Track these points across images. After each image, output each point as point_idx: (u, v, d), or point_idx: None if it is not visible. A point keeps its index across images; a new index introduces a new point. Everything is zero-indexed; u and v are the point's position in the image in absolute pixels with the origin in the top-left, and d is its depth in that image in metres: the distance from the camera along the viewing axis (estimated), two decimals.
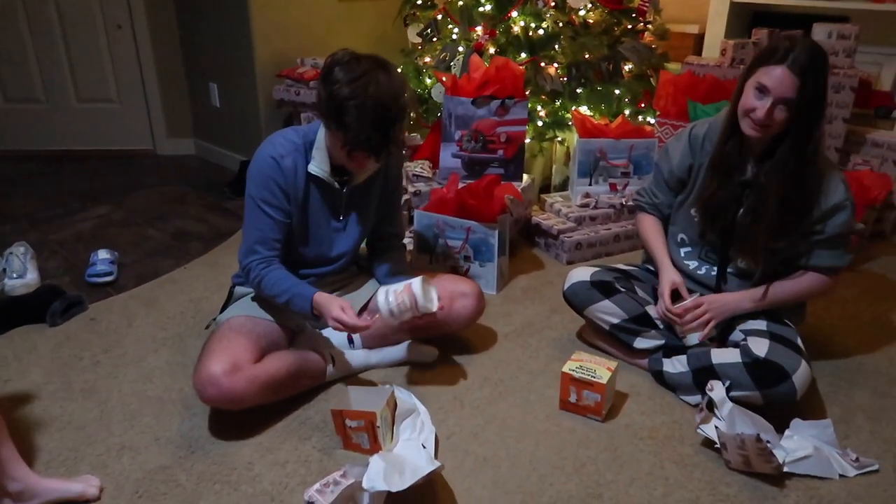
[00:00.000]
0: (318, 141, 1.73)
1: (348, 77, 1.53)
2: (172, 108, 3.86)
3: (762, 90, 1.56)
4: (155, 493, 1.48)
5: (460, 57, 2.89)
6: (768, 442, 1.51)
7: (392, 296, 1.69)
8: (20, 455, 1.41)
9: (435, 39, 3.08)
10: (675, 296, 1.83)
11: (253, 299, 1.86)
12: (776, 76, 1.53)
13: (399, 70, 1.64)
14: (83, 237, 2.83)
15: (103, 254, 2.49)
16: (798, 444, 1.60)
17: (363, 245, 2.03)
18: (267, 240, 1.74)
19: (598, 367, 1.73)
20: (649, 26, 3.13)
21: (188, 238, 2.84)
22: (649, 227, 1.96)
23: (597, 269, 1.96)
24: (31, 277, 2.35)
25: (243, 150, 3.55)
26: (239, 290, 1.91)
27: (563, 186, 2.98)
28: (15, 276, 2.33)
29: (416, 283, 1.69)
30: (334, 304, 1.68)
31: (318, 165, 1.73)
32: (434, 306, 1.73)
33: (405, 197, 2.53)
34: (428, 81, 3.03)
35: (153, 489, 1.49)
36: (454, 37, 3.02)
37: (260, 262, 1.74)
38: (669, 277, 1.84)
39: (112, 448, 1.62)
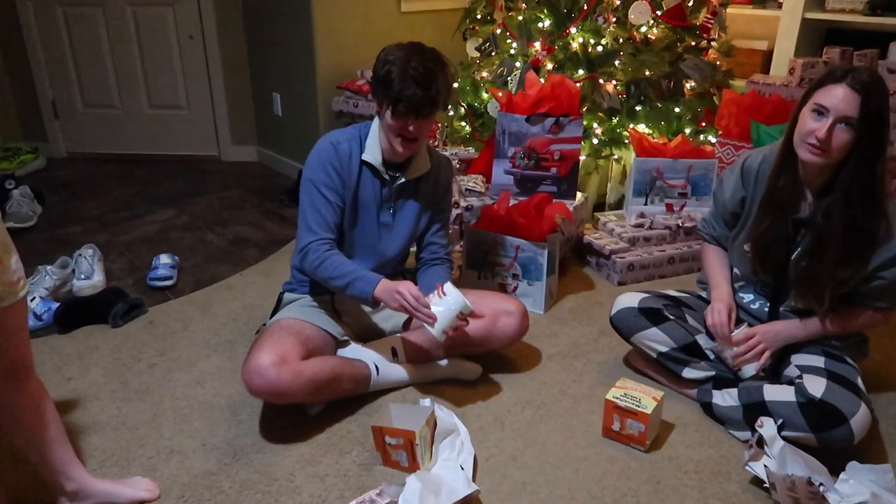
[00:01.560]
0: (372, 132, 1.84)
1: (394, 53, 1.71)
2: (237, 116, 3.98)
3: (821, 111, 1.50)
4: (199, 499, 1.53)
5: (517, 72, 2.89)
6: (821, 485, 1.44)
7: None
8: (76, 454, 1.47)
9: (493, 54, 3.08)
10: None
11: (302, 306, 1.90)
12: (836, 94, 1.47)
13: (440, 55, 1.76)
14: (148, 240, 2.95)
15: (165, 258, 2.59)
16: (854, 489, 1.52)
17: (411, 258, 2.06)
18: (324, 221, 1.80)
19: (644, 396, 1.69)
20: (713, 43, 3.04)
21: (245, 244, 2.92)
22: (711, 256, 1.91)
23: (646, 295, 1.92)
24: (98, 279, 2.47)
25: (303, 159, 3.59)
26: (288, 296, 1.97)
27: (618, 205, 2.93)
28: (83, 277, 2.45)
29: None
30: (403, 285, 1.71)
31: (371, 154, 1.83)
32: (460, 301, 1.71)
33: (457, 211, 2.54)
34: (485, 96, 3.04)
35: (198, 495, 1.54)
36: (512, 52, 3.01)
37: (320, 242, 1.79)
38: (725, 301, 1.77)
39: (162, 451, 1.68)
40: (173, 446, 1.70)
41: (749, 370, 1.74)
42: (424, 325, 1.71)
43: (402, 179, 1.88)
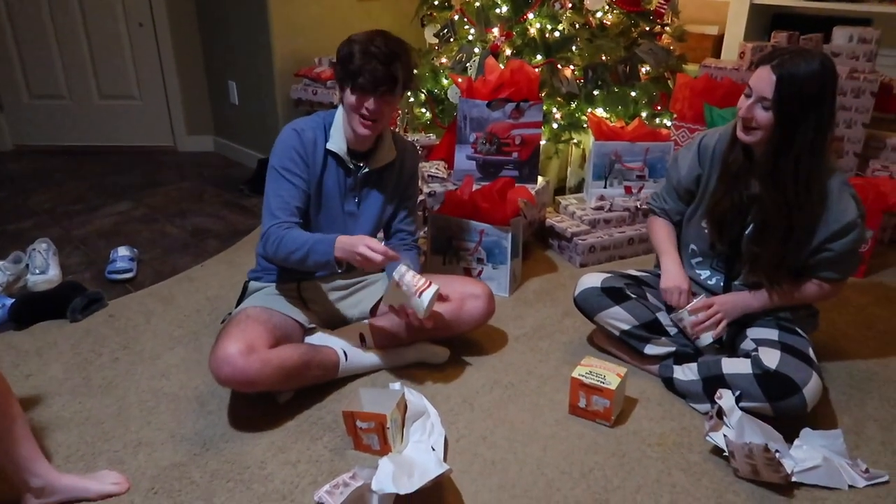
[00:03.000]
0: (336, 121, 1.84)
1: (357, 35, 1.73)
2: (192, 106, 3.90)
3: (748, 92, 1.59)
4: (170, 490, 1.52)
5: (476, 58, 2.90)
6: (777, 451, 1.51)
7: (412, 274, 1.71)
8: (41, 451, 1.44)
9: (452, 40, 3.09)
10: None
11: (268, 294, 1.89)
12: (759, 75, 1.56)
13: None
14: (104, 233, 2.88)
15: (123, 251, 2.53)
16: (807, 453, 1.60)
17: None
18: (287, 206, 1.79)
19: (608, 373, 1.74)
20: (667, 28, 3.11)
21: (205, 235, 2.88)
22: (659, 229, 1.97)
23: (608, 274, 1.96)
24: (53, 273, 2.41)
25: (261, 148, 3.59)
26: (254, 284, 1.95)
27: (579, 189, 2.98)
28: (37, 271, 2.38)
29: (435, 286, 1.72)
30: (359, 240, 1.68)
31: (336, 143, 1.83)
32: (423, 310, 1.72)
33: (420, 197, 2.54)
34: (445, 82, 3.05)
35: (168, 486, 1.53)
36: (470, 38, 3.02)
37: (279, 225, 1.77)
38: (676, 282, 1.83)
39: (129, 444, 1.66)
40: (140, 439, 1.68)
41: (707, 338, 1.80)
42: (413, 306, 1.71)
43: (367, 169, 1.88)
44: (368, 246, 1.65)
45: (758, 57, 1.62)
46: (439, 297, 1.78)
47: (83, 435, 1.69)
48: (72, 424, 1.73)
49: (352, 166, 1.87)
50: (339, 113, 1.84)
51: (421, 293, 1.70)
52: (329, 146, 1.83)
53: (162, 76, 3.80)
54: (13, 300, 2.20)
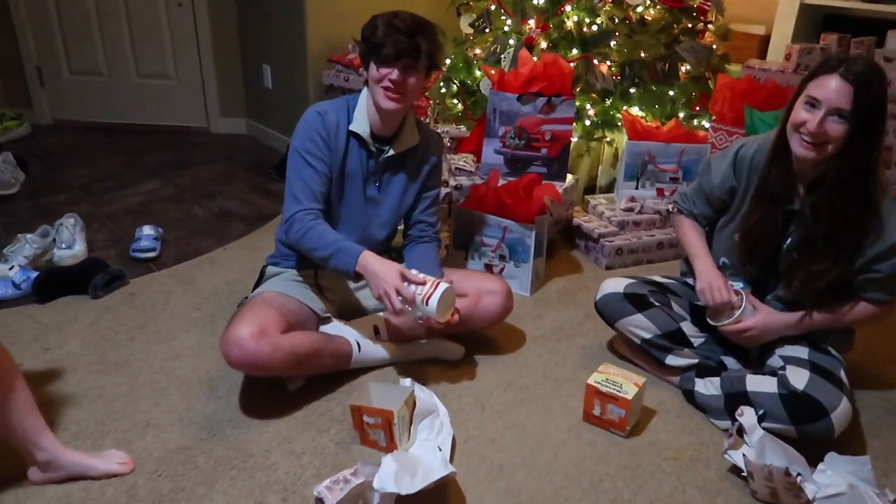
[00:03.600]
0: (360, 103, 1.82)
1: (382, 13, 1.73)
2: (227, 88, 3.92)
3: (813, 103, 1.46)
4: (174, 474, 1.51)
5: (511, 50, 2.84)
6: (799, 475, 1.44)
7: (412, 287, 1.67)
8: (50, 426, 1.45)
9: (487, 31, 3.03)
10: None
11: (285, 280, 1.88)
12: (828, 85, 1.43)
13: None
14: (132, 211, 2.91)
15: (148, 230, 2.55)
16: (832, 479, 1.51)
17: (398, 238, 2.04)
18: (310, 190, 1.77)
19: (625, 382, 1.68)
20: (710, 26, 3.00)
21: (231, 218, 2.89)
22: (689, 230, 1.87)
23: (631, 280, 1.90)
24: (79, 249, 2.43)
25: (291, 133, 3.57)
26: (271, 269, 1.94)
27: (609, 188, 2.90)
28: (63, 246, 2.41)
29: (443, 286, 1.67)
30: (392, 273, 1.65)
31: (359, 125, 1.80)
32: (435, 314, 1.67)
33: (446, 190, 2.50)
34: (478, 73, 2.99)
35: (172, 469, 1.53)
36: (506, 29, 2.96)
37: (305, 213, 1.76)
38: (711, 280, 1.73)
39: (137, 424, 1.66)
40: (149, 420, 1.68)
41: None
42: (426, 314, 1.68)
43: (391, 152, 1.85)
44: (397, 289, 1.64)
45: (814, 66, 1.52)
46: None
47: (93, 412, 1.70)
48: (84, 401, 1.74)
49: (374, 149, 1.84)
50: (364, 95, 1.82)
51: (427, 300, 1.65)
52: (352, 128, 1.80)
53: (198, 57, 3.82)
54: (37, 273, 2.23)
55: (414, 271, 1.70)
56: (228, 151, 3.73)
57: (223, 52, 3.82)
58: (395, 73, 1.69)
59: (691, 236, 1.85)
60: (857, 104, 1.42)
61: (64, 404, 1.72)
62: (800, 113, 1.49)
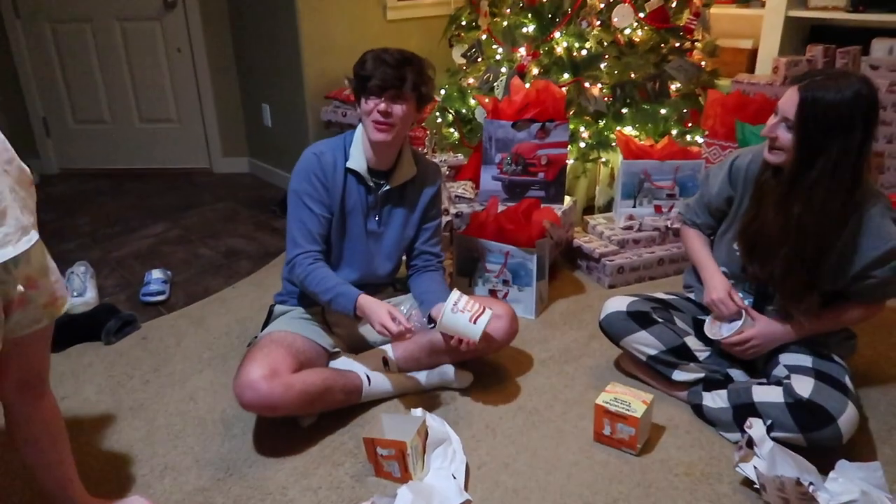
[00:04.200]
0: (356, 140, 1.87)
1: (373, 49, 1.78)
2: (228, 128, 3.99)
3: (776, 110, 1.56)
4: None
5: (503, 78, 2.90)
6: (811, 484, 1.45)
7: (466, 299, 1.74)
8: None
9: (479, 60, 3.10)
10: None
11: (293, 318, 1.91)
12: (787, 94, 1.52)
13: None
14: (140, 255, 2.96)
15: (157, 273, 2.60)
16: (843, 487, 1.53)
17: (402, 269, 2.07)
18: (309, 233, 1.82)
19: (633, 400, 1.70)
20: (697, 44, 3.06)
21: (238, 257, 2.93)
22: (695, 240, 1.92)
23: (634, 298, 1.93)
24: (91, 296, 2.48)
25: (293, 170, 3.64)
26: (279, 308, 1.98)
27: (607, 208, 2.94)
28: (76, 294, 2.45)
29: (489, 311, 1.75)
30: (381, 310, 1.73)
31: (356, 161, 1.85)
32: (478, 335, 1.73)
33: (447, 218, 2.55)
34: (472, 102, 3.05)
35: None
36: (498, 57, 3.03)
37: (305, 256, 1.82)
38: (720, 294, 1.76)
39: (156, 468, 1.69)
40: (167, 463, 1.71)
41: (724, 331, 1.76)
42: (468, 332, 1.73)
43: (387, 186, 1.89)
44: (382, 324, 1.71)
45: (792, 73, 1.58)
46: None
47: (112, 458, 1.73)
48: (102, 447, 1.77)
49: (372, 184, 1.88)
50: (359, 131, 1.87)
51: (476, 319, 1.71)
52: (349, 165, 1.85)
53: (199, 100, 3.90)
54: None
55: (458, 293, 1.77)
56: (232, 190, 3.79)
57: (223, 94, 3.90)
58: (382, 104, 1.74)
59: (697, 247, 1.90)
60: (799, 115, 1.49)
61: (82, 451, 1.74)
62: (769, 119, 1.58)
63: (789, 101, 1.51)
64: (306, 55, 3.31)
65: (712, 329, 1.79)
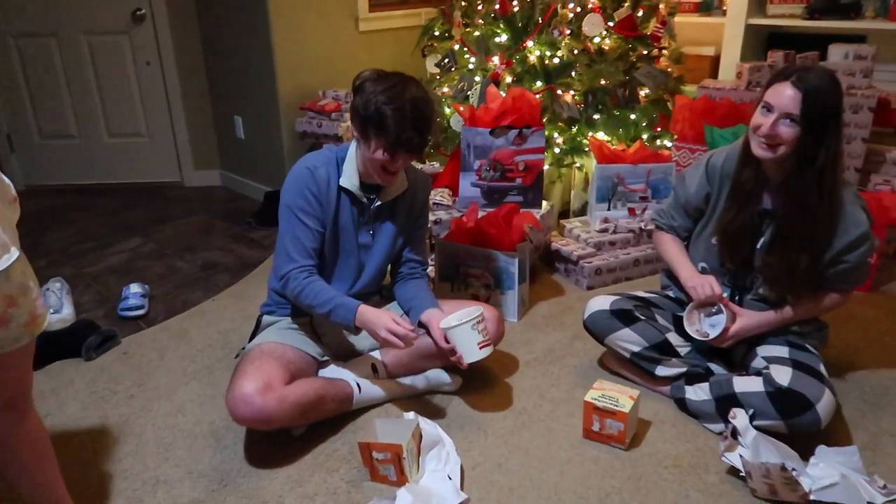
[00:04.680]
0: (349, 157, 1.84)
1: (383, 87, 1.68)
2: (199, 141, 3.96)
3: (768, 107, 1.60)
4: None
5: (477, 87, 2.95)
6: (794, 470, 1.51)
7: (485, 325, 1.77)
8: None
9: (453, 69, 3.14)
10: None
11: (281, 328, 1.91)
12: (780, 91, 1.57)
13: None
14: (116, 270, 2.91)
15: (135, 288, 2.56)
16: (824, 471, 1.60)
17: (387, 275, 2.09)
18: (304, 248, 1.81)
19: (621, 396, 1.75)
20: (664, 51, 3.16)
21: (215, 269, 2.91)
22: (669, 243, 1.97)
23: (616, 297, 1.98)
24: (68, 312, 2.43)
25: (267, 181, 3.64)
26: (267, 318, 1.97)
27: (582, 211, 3.01)
28: (52, 311, 2.41)
29: (491, 347, 1.79)
30: (385, 316, 1.74)
31: (349, 179, 1.83)
32: (473, 360, 1.77)
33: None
34: (447, 111, 3.09)
35: None
36: (471, 66, 3.08)
37: (300, 270, 1.80)
38: (699, 279, 1.82)
39: (147, 482, 1.67)
40: (158, 477, 1.69)
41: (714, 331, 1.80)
42: (466, 353, 1.75)
43: (379, 202, 1.89)
44: (389, 329, 1.71)
45: (756, 78, 1.65)
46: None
47: (102, 474, 1.70)
48: (90, 464, 1.74)
49: (365, 200, 1.88)
50: (352, 149, 1.85)
51: (483, 346, 1.75)
52: (342, 183, 1.83)
53: (169, 113, 3.87)
54: None
55: (482, 313, 1.78)
56: (205, 203, 3.76)
57: (194, 107, 3.87)
58: (399, 163, 1.75)
59: (672, 249, 1.95)
60: (805, 109, 1.55)
61: (71, 468, 1.72)
62: (757, 117, 1.63)
63: (787, 96, 1.55)
64: (280, 66, 3.31)
65: (694, 327, 1.83)
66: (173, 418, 1.92)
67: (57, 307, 2.43)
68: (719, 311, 1.79)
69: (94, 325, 2.34)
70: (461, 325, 1.74)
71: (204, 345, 2.30)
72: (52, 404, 1.99)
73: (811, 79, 1.55)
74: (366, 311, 1.76)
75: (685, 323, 1.84)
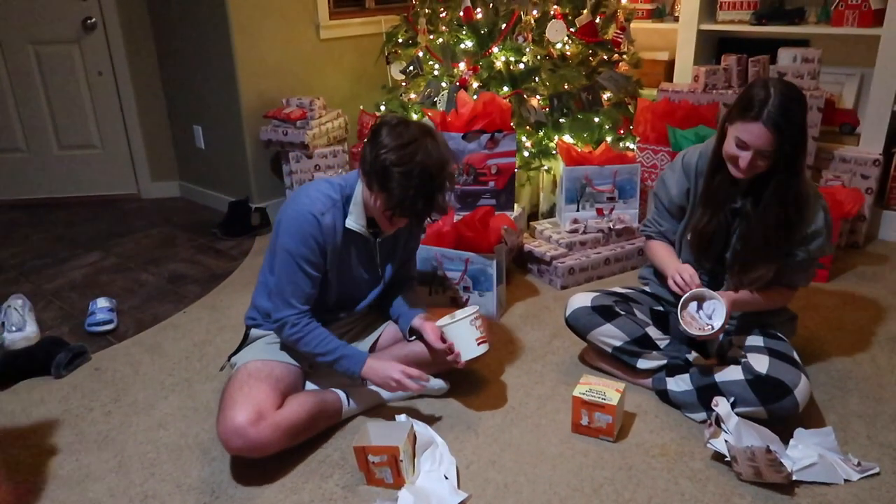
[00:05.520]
0: (356, 196, 1.74)
1: (396, 143, 1.57)
2: (156, 152, 3.87)
3: (741, 145, 1.64)
4: None
5: (444, 92, 2.98)
6: (776, 452, 1.58)
7: (482, 321, 1.80)
8: None
9: (419, 76, 3.16)
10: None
11: (268, 343, 1.86)
12: (753, 133, 1.60)
13: (440, 135, 1.68)
14: (77, 285, 2.82)
15: (102, 302, 2.48)
16: (803, 452, 1.67)
17: None
18: (303, 294, 1.74)
19: (608, 389, 1.79)
20: (624, 56, 3.25)
21: (183, 281, 2.84)
22: (658, 248, 2.00)
23: (596, 293, 2.03)
24: (31, 330, 2.34)
25: (231, 191, 3.57)
26: (255, 332, 1.91)
27: (551, 213, 3.06)
28: (14, 329, 2.31)
29: (488, 344, 1.82)
30: (393, 369, 1.73)
31: (356, 221, 1.74)
32: (471, 357, 1.80)
33: None
34: (414, 116, 3.11)
35: None
36: (436, 73, 3.10)
37: (299, 316, 1.74)
38: (678, 268, 1.85)
39: (135, 498, 1.62)
40: (146, 492, 1.64)
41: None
42: (465, 350, 1.78)
43: (382, 238, 1.84)
44: (405, 373, 1.71)
45: (740, 97, 1.68)
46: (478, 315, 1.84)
47: (85, 492, 1.65)
48: (72, 483, 1.68)
49: (370, 236, 1.81)
50: (359, 189, 1.73)
51: (481, 343, 1.78)
52: (348, 225, 1.74)
53: (123, 124, 3.76)
54: None
55: (478, 310, 1.81)
56: (164, 215, 3.67)
57: (150, 117, 3.78)
58: (400, 223, 1.73)
59: (659, 252, 1.98)
60: (779, 145, 1.60)
61: (51, 489, 1.65)
62: (732, 147, 1.67)
63: (759, 137, 1.59)
64: (241, 75, 3.26)
65: (695, 326, 1.77)
66: (155, 432, 1.87)
67: (19, 325, 2.33)
68: (710, 298, 1.77)
69: (61, 341, 2.26)
70: (459, 321, 1.76)
71: (180, 357, 2.25)
72: (23, 425, 1.91)
73: (778, 114, 1.57)
74: (373, 365, 1.76)
75: (682, 328, 1.77)
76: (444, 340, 1.79)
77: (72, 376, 2.15)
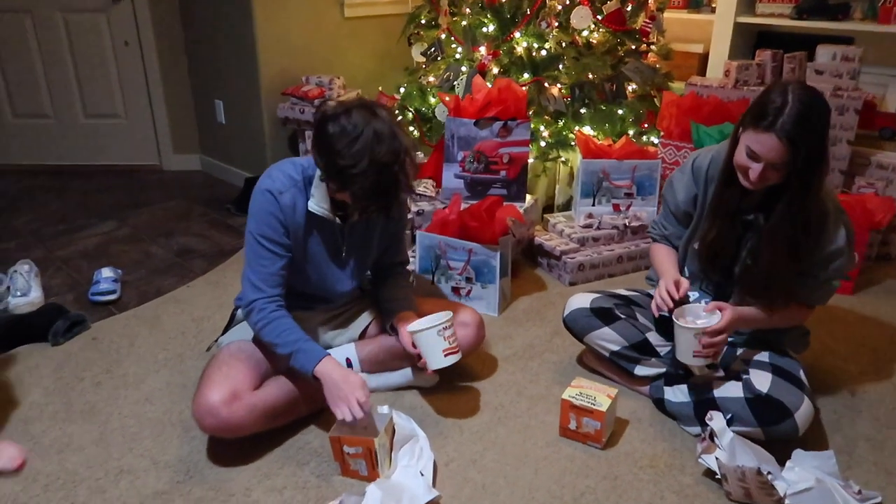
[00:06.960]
0: (318, 181, 1.67)
1: (344, 141, 1.50)
2: (178, 125, 3.88)
3: (752, 156, 1.52)
4: None
5: (463, 77, 2.91)
6: (769, 474, 1.50)
7: (451, 332, 1.71)
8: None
9: (439, 59, 3.09)
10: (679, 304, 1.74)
11: None
12: (765, 144, 1.48)
13: (385, 111, 1.57)
14: (88, 254, 2.84)
15: (107, 272, 2.50)
16: (800, 475, 1.58)
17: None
18: (269, 277, 1.68)
19: (599, 395, 1.72)
20: (652, 47, 3.13)
21: (191, 255, 2.85)
22: (658, 249, 1.92)
23: (597, 295, 1.95)
24: (36, 295, 2.37)
25: (248, 167, 3.57)
26: (240, 313, 1.90)
27: (567, 206, 2.98)
28: (19, 294, 2.34)
29: (458, 355, 1.73)
30: (352, 383, 1.58)
31: (318, 203, 1.67)
32: (437, 367, 1.72)
33: (408, 216, 2.53)
34: (432, 100, 3.04)
35: None
36: (458, 56, 3.03)
37: (267, 301, 1.67)
38: (672, 277, 1.75)
39: (110, 472, 1.62)
40: (122, 466, 1.64)
41: (699, 361, 1.69)
42: (431, 358, 1.71)
43: (354, 219, 1.76)
44: (357, 399, 1.56)
45: (752, 104, 1.55)
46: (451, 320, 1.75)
47: (63, 462, 1.65)
48: (51, 451, 1.69)
49: (336, 221, 1.73)
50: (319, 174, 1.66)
51: (448, 354, 1.69)
52: (311, 208, 1.67)
53: (148, 95, 3.78)
54: None
55: (450, 320, 1.71)
56: (183, 188, 3.68)
57: (174, 90, 3.79)
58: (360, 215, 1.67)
59: (660, 258, 1.88)
60: (792, 157, 1.48)
61: (31, 455, 1.66)
62: (742, 157, 1.55)
63: (771, 149, 1.48)
64: (262, 51, 3.24)
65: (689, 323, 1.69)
66: (141, 407, 1.87)
67: (24, 290, 2.36)
68: (703, 315, 1.70)
69: (62, 309, 2.28)
70: (426, 329, 1.69)
71: (176, 332, 2.24)
72: (15, 390, 1.93)
73: (792, 125, 1.45)
74: (331, 368, 1.61)
75: (679, 324, 1.68)
76: (415, 346, 1.74)
77: (69, 344, 2.16)
